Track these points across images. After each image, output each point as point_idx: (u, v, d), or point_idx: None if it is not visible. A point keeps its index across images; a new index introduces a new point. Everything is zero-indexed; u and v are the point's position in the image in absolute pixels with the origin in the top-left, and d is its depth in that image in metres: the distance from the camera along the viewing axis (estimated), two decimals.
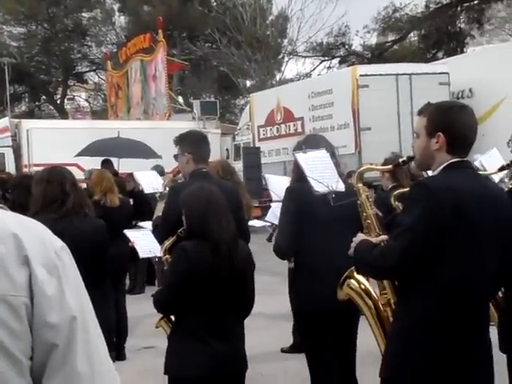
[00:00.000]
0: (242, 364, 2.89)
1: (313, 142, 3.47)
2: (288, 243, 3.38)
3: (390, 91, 13.54)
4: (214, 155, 4.23)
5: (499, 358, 2.63)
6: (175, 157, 3.97)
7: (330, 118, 14.59)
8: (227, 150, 18.14)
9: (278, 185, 5.25)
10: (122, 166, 10.95)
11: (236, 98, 31.49)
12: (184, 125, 15.76)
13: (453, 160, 2.31)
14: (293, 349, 5.46)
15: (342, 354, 3.45)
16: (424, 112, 2.40)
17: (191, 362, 2.74)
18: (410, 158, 2.53)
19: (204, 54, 27.07)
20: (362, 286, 2.57)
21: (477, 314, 2.29)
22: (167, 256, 3.16)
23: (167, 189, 4.60)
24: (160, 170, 8.47)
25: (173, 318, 2.97)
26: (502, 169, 3.32)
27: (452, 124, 2.31)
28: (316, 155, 3.02)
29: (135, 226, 5.68)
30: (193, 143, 3.84)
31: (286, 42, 26.65)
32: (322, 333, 3.40)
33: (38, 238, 1.15)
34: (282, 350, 5.63)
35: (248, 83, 27.20)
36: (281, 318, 6.46)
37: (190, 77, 29.15)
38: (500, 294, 2.73)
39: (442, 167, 2.32)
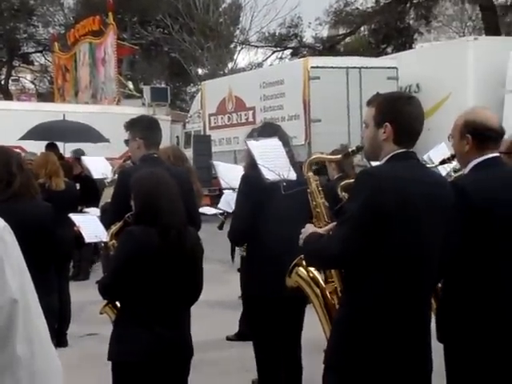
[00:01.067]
0: (187, 351, 2.88)
1: (270, 130, 3.48)
2: (245, 228, 3.40)
3: (341, 84, 13.71)
4: (164, 142, 4.19)
5: (436, 347, 2.71)
6: (126, 142, 3.92)
7: (281, 108, 14.67)
8: (177, 137, 17.99)
9: (227, 172, 5.25)
10: (68, 149, 10.70)
11: (187, 86, 31.19)
12: (133, 110, 15.52)
13: (399, 150, 2.35)
14: (238, 337, 5.49)
15: (288, 341, 3.49)
16: (373, 102, 2.44)
17: (135, 347, 2.71)
18: (359, 148, 2.57)
19: (155, 39, 26.66)
20: (311, 274, 2.60)
21: (419, 303, 2.34)
22: (113, 241, 3.11)
23: (116, 175, 4.53)
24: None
25: (118, 304, 2.94)
26: (443, 162, 3.39)
27: (399, 115, 2.34)
28: (268, 143, 3.03)
29: (81, 212, 5.58)
30: (144, 128, 3.80)
31: (238, 31, 26.56)
32: (270, 319, 3.43)
33: None
34: (228, 338, 5.64)
35: (200, 71, 26.99)
36: (227, 306, 6.49)
37: (140, 62, 28.68)
38: (439, 283, 2.80)
39: (387, 157, 2.36)
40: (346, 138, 12.32)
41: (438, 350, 2.64)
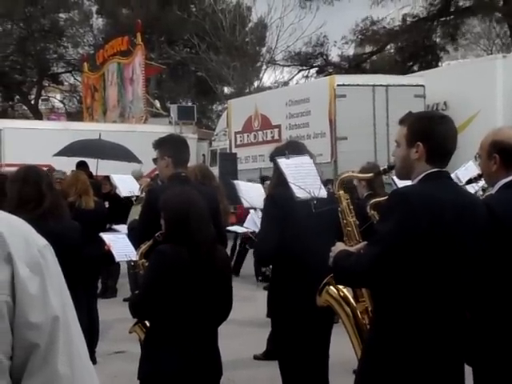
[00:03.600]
0: (216, 370, 2.86)
1: (294, 147, 3.48)
2: (270, 249, 3.38)
3: (367, 102, 13.67)
4: (191, 160, 4.22)
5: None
6: (154, 160, 3.95)
7: (307, 126, 14.67)
8: (203, 155, 18.09)
9: (248, 191, 5.25)
10: (100, 168, 10.84)
11: (213, 104, 31.44)
12: (161, 129, 15.68)
13: (431, 170, 2.33)
14: (266, 356, 5.45)
15: (316, 361, 3.45)
16: (405, 121, 2.43)
17: (166, 367, 2.71)
18: (391, 167, 2.55)
19: (182, 58, 26.99)
20: (341, 293, 2.58)
21: (452, 327, 2.30)
22: (143, 260, 3.12)
23: (144, 193, 4.56)
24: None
25: (147, 323, 2.94)
26: (469, 181, 3.35)
27: (431, 134, 2.33)
28: (299, 161, 3.02)
29: (110, 229, 5.62)
30: (172, 147, 3.82)
31: (264, 49, 26.77)
32: (298, 339, 3.39)
33: (21, 236, 1.13)
34: (255, 357, 5.61)
35: (226, 89, 27.21)
36: (254, 325, 6.45)
37: (167, 81, 29.04)
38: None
39: (420, 177, 2.34)
40: (372, 156, 12.25)
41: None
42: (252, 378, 5.15)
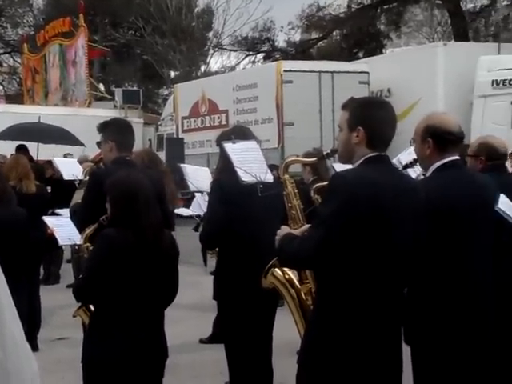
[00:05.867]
0: (162, 353, 2.87)
1: (240, 132, 3.49)
2: (216, 232, 3.40)
3: (313, 88, 13.79)
4: (137, 145, 4.18)
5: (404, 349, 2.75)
6: (98, 144, 3.90)
7: (255, 111, 14.69)
8: (150, 140, 17.88)
9: (194, 175, 5.24)
10: (42, 152, 10.55)
11: (160, 88, 31.01)
12: (105, 113, 15.41)
13: (371, 154, 2.38)
14: (212, 340, 5.49)
15: (260, 343, 3.50)
16: (347, 106, 2.47)
17: (110, 349, 2.70)
18: (334, 151, 2.60)
19: (127, 41, 26.46)
20: (286, 276, 2.62)
21: (390, 306, 2.37)
22: (87, 244, 3.09)
23: (87, 176, 4.50)
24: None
25: (91, 307, 2.92)
26: (405, 166, 3.46)
27: (371, 119, 2.38)
28: (245, 146, 3.04)
29: (53, 213, 5.51)
30: (117, 131, 3.79)
31: (211, 34, 26.55)
32: (242, 321, 3.43)
33: None
34: (201, 341, 5.64)
35: (172, 73, 26.87)
36: (200, 309, 6.48)
37: (112, 64, 28.43)
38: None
39: (360, 161, 2.39)
40: (318, 141, 12.39)
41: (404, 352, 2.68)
42: (197, 361, 5.17)
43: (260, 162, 3.02)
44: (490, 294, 2.94)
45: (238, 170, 2.92)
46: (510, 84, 12.44)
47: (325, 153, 2.67)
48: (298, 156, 2.84)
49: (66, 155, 9.22)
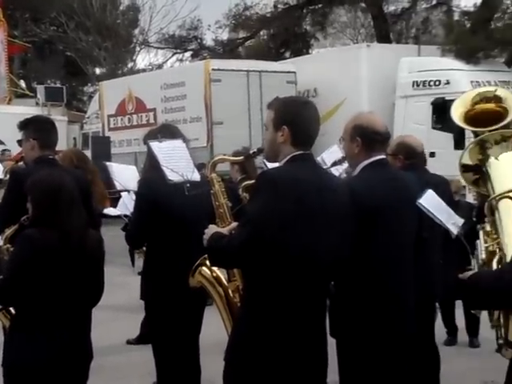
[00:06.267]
0: (86, 355, 2.83)
1: (168, 131, 3.49)
2: (143, 232, 3.38)
3: (241, 87, 13.86)
4: (61, 144, 4.09)
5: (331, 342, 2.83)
6: (19, 142, 3.80)
7: (183, 110, 14.62)
8: (74, 138, 17.45)
9: (120, 173, 5.17)
10: None
11: (84, 85, 30.25)
12: (26, 110, 14.87)
13: (296, 152, 2.43)
14: (139, 340, 5.45)
15: (187, 342, 3.51)
16: (272, 106, 2.52)
17: (33, 353, 2.63)
18: (260, 150, 2.65)
19: (49, 37, 25.63)
20: (214, 274, 2.64)
21: (316, 302, 2.43)
22: (8, 245, 3.01)
23: (7, 175, 4.36)
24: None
25: (12, 310, 2.84)
26: (334, 164, 3.57)
27: (296, 118, 2.43)
28: (172, 145, 3.04)
29: None
30: (39, 129, 3.70)
31: (137, 31, 26.13)
32: (169, 321, 3.42)
33: None
34: (128, 342, 5.61)
35: (97, 71, 26.27)
36: (128, 310, 6.41)
37: (33, 60, 27.48)
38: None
39: (286, 159, 2.44)
40: (247, 140, 12.48)
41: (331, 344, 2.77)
42: (124, 362, 5.14)
43: (187, 161, 3.03)
44: (411, 289, 3.07)
45: (164, 168, 2.91)
46: (429, 85, 12.96)
47: (251, 152, 2.71)
48: (225, 155, 2.87)
49: None
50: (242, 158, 2.84)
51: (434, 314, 3.98)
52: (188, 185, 2.95)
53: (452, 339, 5.61)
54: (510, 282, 1.78)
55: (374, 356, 2.88)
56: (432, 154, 11.73)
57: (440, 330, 5.14)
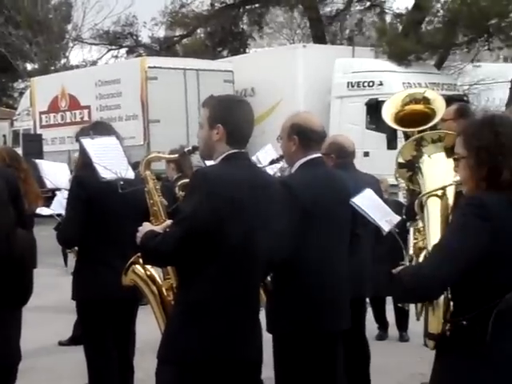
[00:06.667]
0: (12, 357, 2.74)
1: (101, 128, 3.42)
2: (75, 231, 3.31)
3: (179, 85, 13.76)
4: None
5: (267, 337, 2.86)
6: None
7: (119, 108, 14.37)
8: (4, 136, 16.87)
9: (51, 171, 5.04)
10: None
11: (15, 81, 29.23)
12: None
13: (231, 151, 2.45)
14: (71, 341, 5.37)
15: (121, 342, 3.46)
16: (207, 104, 2.52)
17: None
18: (195, 148, 2.64)
19: None
20: (148, 272, 2.62)
21: (250, 297, 2.45)
22: None
23: None
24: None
25: None
26: (272, 162, 3.61)
27: (230, 117, 2.44)
28: (105, 142, 2.99)
29: None
30: None
31: (70, 26, 25.47)
32: (103, 322, 3.38)
33: None
34: (60, 343, 5.52)
35: (29, 66, 25.43)
36: (61, 311, 6.28)
37: None
38: (268, 277, 2.97)
39: (220, 157, 2.45)
40: (184, 138, 12.40)
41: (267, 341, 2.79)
42: (56, 364, 5.05)
43: (120, 158, 2.98)
44: (346, 285, 3.14)
45: (97, 166, 2.86)
46: (363, 86, 13.26)
47: (186, 150, 2.69)
48: (159, 152, 2.85)
49: None
50: (176, 155, 2.83)
51: (364, 309, 4.08)
52: (122, 182, 2.90)
53: (383, 334, 5.77)
54: (426, 276, 1.84)
55: (308, 352, 2.93)
56: (366, 154, 12.03)
57: (371, 325, 5.27)
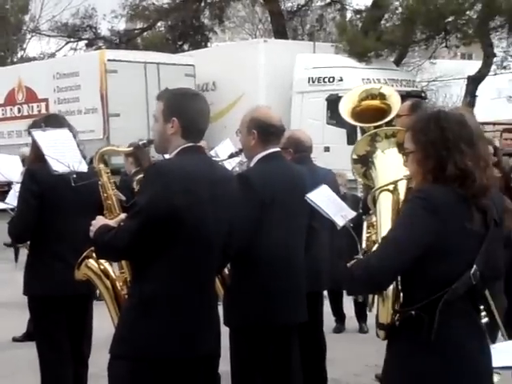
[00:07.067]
0: None
1: (54, 121, 3.36)
2: (26, 226, 3.24)
3: (139, 79, 13.62)
4: None
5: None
6: None
7: (77, 101, 14.15)
8: None
9: (3, 164, 4.93)
10: None
11: None
12: None
13: (186, 144, 2.43)
14: (26, 337, 5.28)
15: (75, 338, 3.42)
16: (161, 97, 2.50)
17: None
18: (150, 142, 2.62)
19: None
20: (101, 267, 2.59)
21: (204, 289, 2.43)
22: None
23: None
24: None
25: None
26: (231, 156, 3.62)
27: (185, 110, 2.43)
28: (57, 135, 2.94)
29: None
30: None
31: (27, 18, 24.85)
32: (56, 317, 3.32)
33: None
34: (14, 339, 5.45)
35: None
36: (14, 306, 6.16)
37: None
38: (226, 271, 2.98)
39: (176, 151, 2.44)
40: (145, 132, 12.25)
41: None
42: (9, 360, 4.98)
43: (73, 151, 2.94)
44: (302, 278, 3.16)
45: (48, 158, 2.81)
46: (324, 81, 13.36)
47: (141, 143, 2.67)
48: (113, 146, 2.81)
49: None
50: (131, 149, 2.80)
51: (321, 302, 4.13)
52: (74, 176, 2.86)
53: (340, 327, 5.85)
54: (374, 267, 1.87)
55: (263, 345, 2.95)
56: (327, 149, 12.15)
57: (329, 319, 5.33)
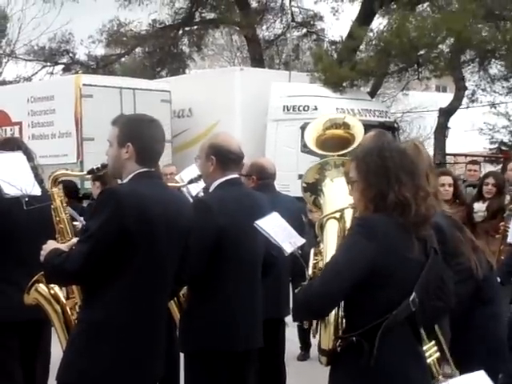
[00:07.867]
0: None
1: (12, 144, 3.36)
2: None
3: (115, 104, 13.60)
4: None
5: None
6: None
7: (52, 125, 14.07)
8: None
9: None
10: None
11: None
12: None
13: (141, 170, 2.46)
14: None
15: (28, 364, 3.35)
16: (117, 122, 2.53)
17: None
18: (104, 166, 2.63)
19: None
20: (52, 291, 2.57)
21: (155, 315, 2.43)
22: None
23: None
24: None
25: None
26: (190, 181, 3.64)
27: (141, 136, 2.46)
28: (10, 158, 2.93)
29: None
30: None
31: (4, 41, 24.81)
32: (8, 344, 3.26)
33: None
34: None
35: None
36: None
37: None
38: (182, 295, 2.97)
39: (130, 176, 2.46)
40: None
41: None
42: None
43: (26, 175, 2.93)
44: (259, 305, 3.15)
45: (0, 182, 2.80)
46: (298, 110, 13.52)
47: (94, 167, 2.68)
48: (66, 169, 2.81)
49: None
50: (83, 173, 2.80)
51: (282, 329, 4.12)
52: (26, 199, 2.84)
53: (304, 354, 5.83)
54: (315, 293, 1.90)
55: (216, 371, 2.93)
56: (300, 176, 12.21)
57: (294, 346, 5.31)
